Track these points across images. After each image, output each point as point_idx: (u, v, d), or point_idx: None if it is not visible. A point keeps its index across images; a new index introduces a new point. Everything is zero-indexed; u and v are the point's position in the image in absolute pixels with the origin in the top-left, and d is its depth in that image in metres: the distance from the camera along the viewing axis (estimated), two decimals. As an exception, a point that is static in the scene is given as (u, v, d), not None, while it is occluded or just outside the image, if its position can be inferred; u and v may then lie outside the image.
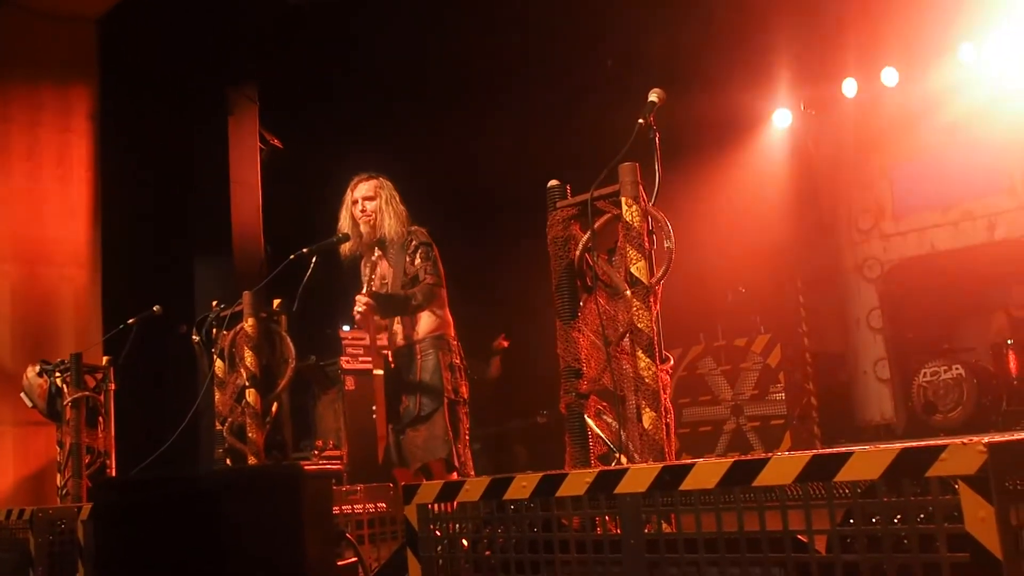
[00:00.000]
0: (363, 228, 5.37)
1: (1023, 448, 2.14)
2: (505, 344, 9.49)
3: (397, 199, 5.40)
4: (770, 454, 2.32)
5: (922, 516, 2.12)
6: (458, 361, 5.32)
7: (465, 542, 2.96)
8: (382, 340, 5.44)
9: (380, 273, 5.36)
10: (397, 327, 5.33)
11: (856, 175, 9.46)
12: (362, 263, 5.53)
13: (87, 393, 6.56)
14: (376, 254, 5.40)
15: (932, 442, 2.08)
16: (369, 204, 5.35)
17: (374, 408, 5.23)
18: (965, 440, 2.02)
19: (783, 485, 2.27)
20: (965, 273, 8.88)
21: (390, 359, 5.36)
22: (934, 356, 8.62)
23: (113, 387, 6.70)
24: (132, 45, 8.66)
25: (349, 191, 5.44)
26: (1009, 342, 8.45)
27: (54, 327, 8.07)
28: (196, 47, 8.67)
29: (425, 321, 5.26)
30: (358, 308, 5.10)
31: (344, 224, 5.42)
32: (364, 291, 5.16)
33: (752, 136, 9.82)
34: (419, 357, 5.22)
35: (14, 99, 8.23)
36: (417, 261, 5.22)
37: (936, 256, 8.94)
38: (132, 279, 8.37)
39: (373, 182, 5.41)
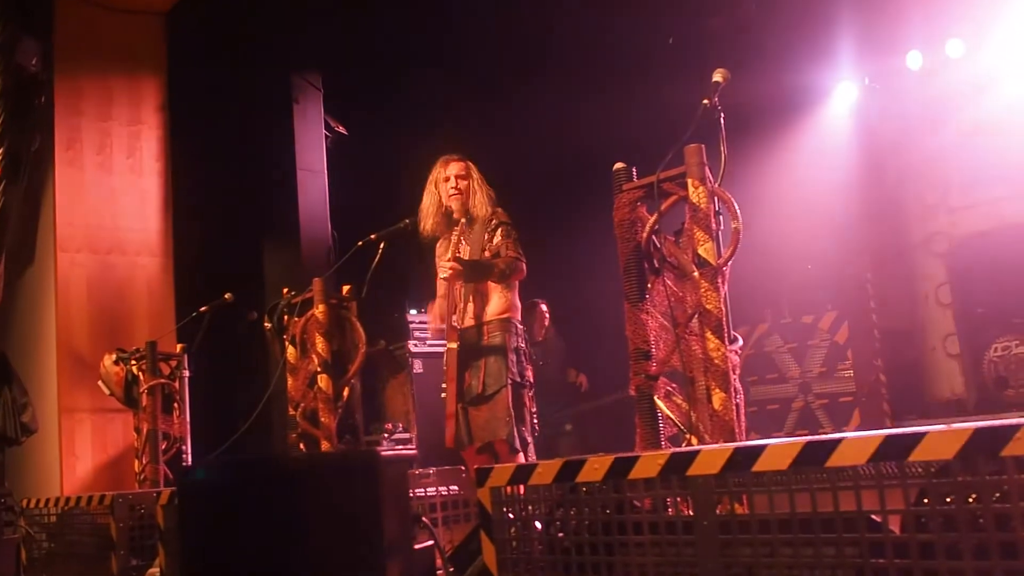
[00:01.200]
0: (453, 204, 5.45)
1: (1100, 426, 2.13)
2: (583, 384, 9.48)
3: (483, 180, 5.50)
4: (842, 434, 2.32)
5: (997, 495, 2.11)
6: (523, 345, 5.37)
7: (538, 524, 3.00)
8: (440, 322, 5.51)
9: (456, 249, 5.42)
10: (470, 306, 5.38)
11: (922, 149, 9.29)
12: (438, 244, 5.59)
13: (162, 380, 6.73)
14: (455, 233, 5.46)
15: (1007, 421, 2.07)
16: (462, 182, 5.44)
17: (443, 385, 5.27)
18: (1042, 419, 2.02)
19: (856, 465, 2.28)
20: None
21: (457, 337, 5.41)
22: (1005, 330, 8.46)
23: (187, 374, 6.86)
24: (199, 36, 8.79)
25: (439, 168, 5.52)
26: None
27: (129, 316, 8.25)
28: (261, 36, 8.77)
29: (495, 302, 5.31)
30: (443, 272, 5.17)
31: (426, 202, 5.50)
32: (450, 256, 5.24)
33: (816, 112, 9.68)
34: (486, 337, 5.27)
35: (85, 93, 8.40)
36: (497, 239, 5.30)
37: (1005, 229, 8.76)
38: (203, 267, 8.54)
39: (464, 162, 5.52)
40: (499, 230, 5.33)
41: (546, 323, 9.24)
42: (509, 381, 5.20)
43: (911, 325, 9.84)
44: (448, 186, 5.44)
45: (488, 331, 5.29)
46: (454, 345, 5.26)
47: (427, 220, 5.51)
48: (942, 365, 9.48)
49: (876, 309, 9.43)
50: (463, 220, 5.44)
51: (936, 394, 9.52)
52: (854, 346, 9.25)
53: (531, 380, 5.40)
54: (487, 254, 5.28)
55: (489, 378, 5.19)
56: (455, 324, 5.33)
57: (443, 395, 5.30)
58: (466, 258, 5.32)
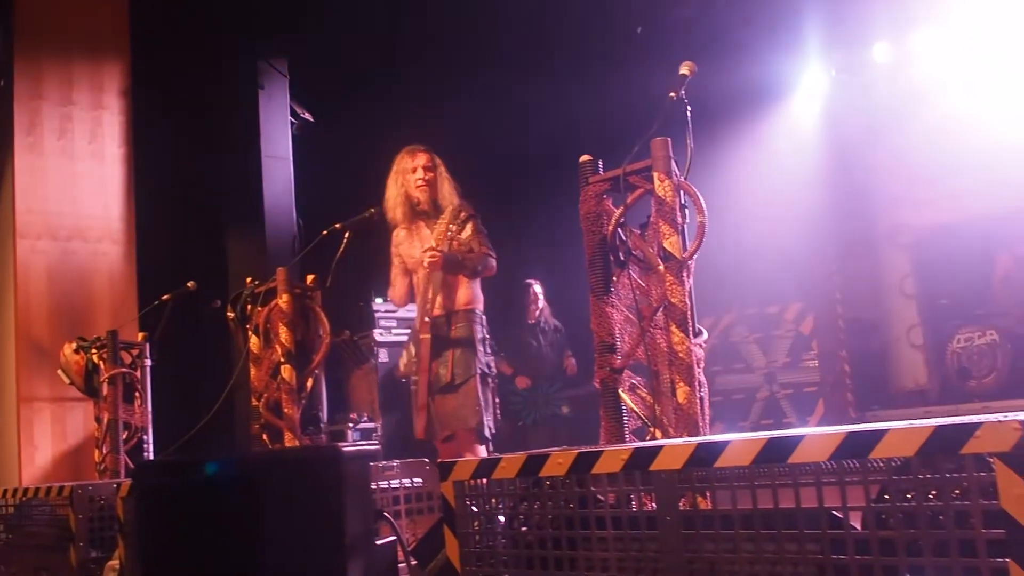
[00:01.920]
0: (420, 196, 5.45)
1: (1060, 425, 2.14)
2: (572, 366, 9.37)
3: (448, 172, 5.51)
4: (804, 431, 2.33)
5: (957, 492, 2.12)
6: (488, 336, 5.41)
7: (501, 518, 2.99)
8: (409, 309, 5.53)
9: (423, 241, 5.41)
10: (438, 297, 5.38)
11: (888, 141, 9.35)
12: (395, 232, 5.58)
13: (123, 369, 6.64)
14: (419, 223, 5.46)
15: (966, 419, 2.07)
16: (429, 173, 5.44)
17: (414, 377, 5.28)
18: (1000, 418, 2.02)
19: (818, 462, 2.28)
20: (999, 238, 8.78)
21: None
22: (968, 322, 8.56)
23: (149, 363, 6.78)
24: (163, 21, 8.68)
25: (405, 159, 5.52)
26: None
27: (90, 304, 8.14)
28: (226, 21, 8.68)
29: (462, 292, 5.35)
30: (426, 261, 5.17)
31: (392, 192, 5.49)
32: (433, 245, 5.23)
33: (783, 104, 9.72)
34: (454, 327, 5.30)
35: (46, 77, 8.27)
36: (468, 232, 5.32)
37: (969, 221, 8.84)
38: (166, 255, 8.43)
39: (429, 154, 5.53)
40: (469, 224, 5.35)
41: (540, 304, 9.18)
42: (478, 371, 5.24)
43: (876, 316, 9.94)
44: (415, 177, 5.44)
45: (455, 321, 5.33)
46: (427, 336, 5.27)
47: (394, 211, 5.49)
48: (906, 356, 9.58)
49: (841, 300, 9.51)
50: (428, 211, 5.44)
51: (900, 384, 9.62)
52: (819, 336, 9.33)
53: (495, 371, 5.45)
54: (455, 245, 5.29)
55: (458, 368, 5.23)
56: (426, 316, 5.33)
57: (413, 387, 5.31)
58: (434, 246, 5.32)
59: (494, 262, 5.37)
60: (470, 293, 5.38)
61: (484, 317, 5.45)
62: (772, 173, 9.31)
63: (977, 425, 2.03)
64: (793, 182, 9.23)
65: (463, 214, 5.38)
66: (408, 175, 5.47)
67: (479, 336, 5.32)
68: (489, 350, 5.46)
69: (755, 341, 9.70)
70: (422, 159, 5.49)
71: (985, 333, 8.36)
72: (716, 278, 7.64)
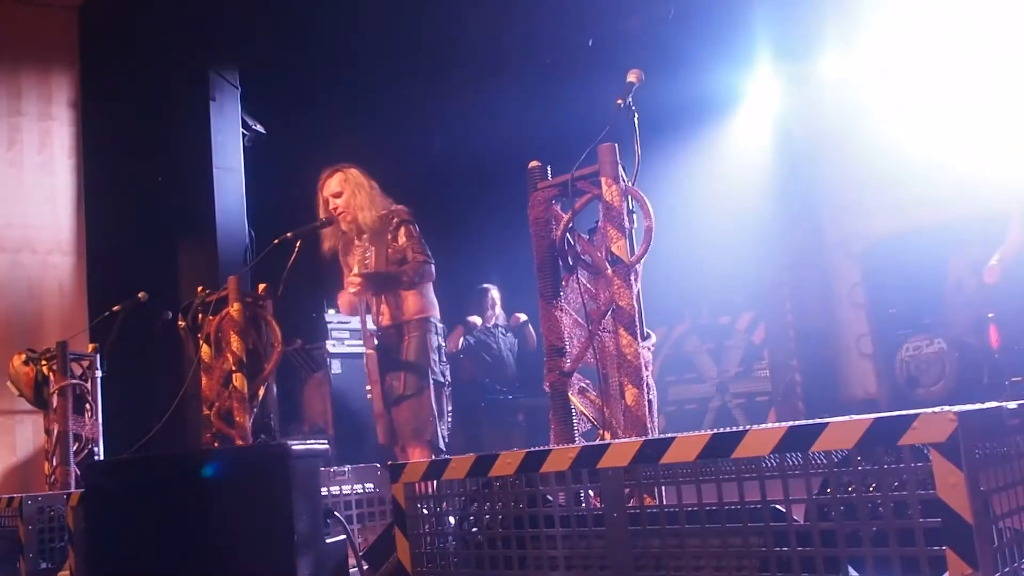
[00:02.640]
0: (342, 224, 5.42)
1: (992, 416, 2.20)
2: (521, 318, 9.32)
3: (366, 185, 5.41)
4: (747, 427, 2.37)
5: (896, 484, 2.16)
6: (443, 343, 5.40)
7: (452, 519, 3.00)
8: (369, 322, 5.50)
9: (363, 257, 5.40)
10: (384, 308, 5.37)
11: (837, 151, 9.48)
12: (341, 256, 5.57)
13: (74, 381, 6.56)
14: (357, 243, 5.44)
15: (904, 412, 2.12)
16: (339, 200, 5.39)
17: (368, 388, 5.28)
18: (936, 409, 2.07)
19: (761, 457, 2.32)
20: (950, 246, 8.91)
21: (375, 340, 5.40)
22: (916, 330, 8.68)
23: (99, 374, 6.70)
24: (113, 32, 8.62)
25: (319, 189, 5.48)
26: (990, 316, 8.52)
27: (39, 315, 8.06)
28: (177, 33, 8.63)
29: (412, 302, 5.31)
30: (351, 289, 5.15)
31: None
32: (355, 271, 5.21)
33: (731, 115, 9.83)
34: (406, 338, 5.28)
35: (-7, 87, 8.20)
36: (401, 240, 5.27)
37: (917, 231, 8.98)
38: (117, 266, 8.35)
39: (338, 176, 5.43)
40: (401, 230, 5.30)
41: (496, 309, 9.18)
42: (431, 381, 5.22)
43: (826, 325, 10.05)
44: (329, 207, 5.41)
45: (408, 331, 5.31)
46: (371, 350, 5.25)
47: (329, 240, 5.46)
48: (856, 365, 9.70)
49: (792, 309, 9.62)
50: (354, 232, 5.41)
51: (850, 393, 9.73)
52: (770, 346, 9.43)
53: (449, 379, 5.43)
54: (391, 253, 5.26)
55: (410, 378, 5.20)
56: (370, 329, 5.33)
57: (369, 397, 5.29)
58: (372, 265, 5.30)
59: (431, 267, 5.30)
60: (421, 301, 5.35)
61: (440, 325, 5.44)
62: (722, 184, 9.41)
63: (914, 417, 2.08)
64: (743, 193, 9.34)
65: (395, 220, 5.34)
66: (325, 205, 5.45)
67: (433, 344, 5.30)
68: (444, 358, 5.44)
69: (707, 351, 9.78)
70: (330, 186, 5.44)
71: (933, 342, 8.49)
72: (668, 288, 7.71)
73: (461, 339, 8.93)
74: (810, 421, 2.28)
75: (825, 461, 2.29)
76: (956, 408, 2.05)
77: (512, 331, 9.27)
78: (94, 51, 8.70)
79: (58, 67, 8.59)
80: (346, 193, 5.38)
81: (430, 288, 5.42)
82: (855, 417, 2.20)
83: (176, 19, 8.53)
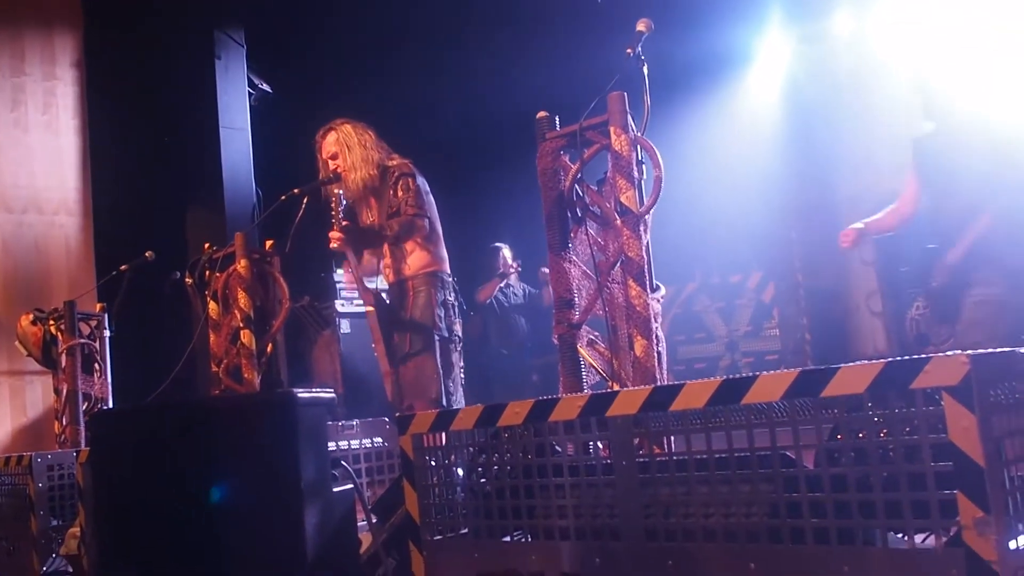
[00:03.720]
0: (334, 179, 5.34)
1: (1005, 359, 2.17)
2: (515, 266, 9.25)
3: (358, 141, 5.29)
4: (758, 373, 2.35)
5: (907, 429, 2.15)
6: (452, 298, 5.31)
7: (460, 471, 3.00)
8: (368, 277, 5.44)
9: (366, 213, 5.35)
10: (387, 263, 5.32)
11: (850, 109, 9.38)
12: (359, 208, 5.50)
13: (82, 340, 6.57)
14: (360, 200, 5.38)
15: (917, 357, 2.10)
16: (334, 162, 5.31)
17: (373, 346, 5.23)
18: (949, 353, 2.05)
19: (771, 402, 2.30)
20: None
21: (384, 296, 5.35)
22: (927, 289, 8.62)
23: (108, 333, 6.72)
24: (117, -10, 8.57)
25: (317, 151, 5.41)
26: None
27: (47, 275, 8.08)
28: (182, -10, 8.57)
29: (416, 257, 5.24)
30: (332, 244, 5.09)
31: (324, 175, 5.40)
32: (335, 226, 5.12)
33: (743, 72, 9.73)
34: (411, 294, 5.21)
35: (-3, 48, 8.17)
36: (399, 193, 5.19)
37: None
38: (124, 225, 8.34)
39: (331, 135, 5.33)
40: (400, 183, 5.21)
41: (510, 268, 9.13)
42: (436, 337, 5.16)
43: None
44: (330, 170, 5.33)
45: (413, 287, 5.23)
46: (371, 308, 5.19)
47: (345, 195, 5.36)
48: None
49: (802, 268, 9.56)
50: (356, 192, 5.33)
51: (860, 351, 9.69)
52: (780, 305, 9.39)
53: (459, 335, 5.36)
54: (390, 208, 5.20)
55: (415, 336, 5.14)
56: (370, 286, 5.27)
57: (376, 355, 5.25)
58: (376, 220, 5.24)
59: (422, 222, 5.17)
60: (427, 256, 5.25)
61: (448, 279, 5.35)
62: (732, 142, 9.33)
63: (926, 360, 2.06)
64: (754, 151, 9.25)
65: (396, 173, 5.26)
66: (325, 167, 5.37)
67: (439, 299, 5.22)
68: (454, 313, 5.35)
69: (717, 310, 9.75)
70: (325, 149, 5.34)
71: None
72: (678, 247, 7.66)
73: (496, 290, 8.91)
74: (821, 366, 2.25)
75: (837, 411, 2.27)
76: (969, 351, 2.02)
77: (528, 289, 9.25)
78: (97, 11, 8.64)
79: (61, 27, 8.54)
80: (341, 154, 5.28)
81: (439, 242, 5.33)
82: (867, 362, 2.18)
83: (180, -24, 8.48)
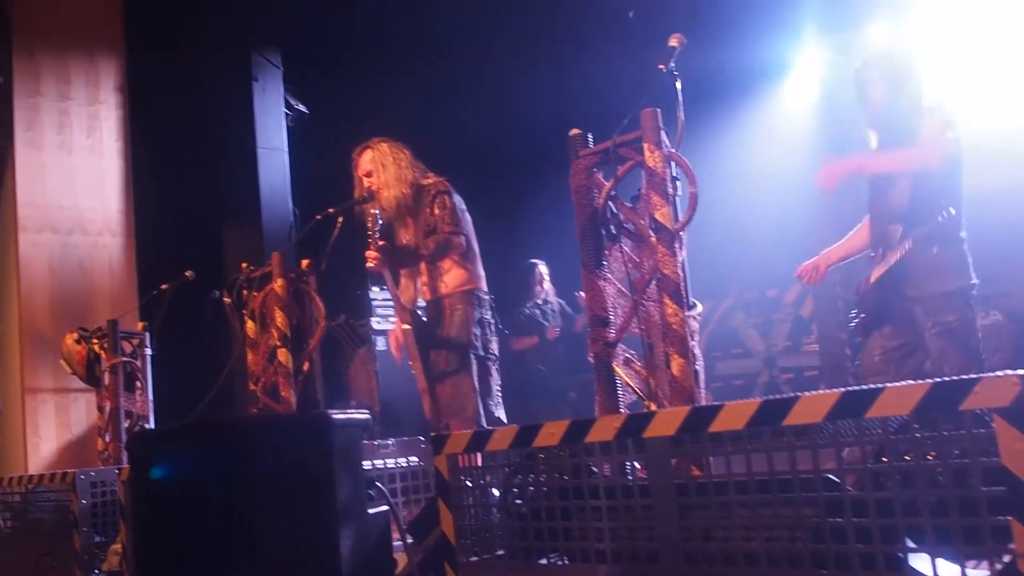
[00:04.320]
0: (369, 198, 5.33)
1: (1058, 379, 2.10)
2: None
3: (393, 160, 5.28)
4: (799, 393, 2.29)
5: (956, 451, 2.08)
6: (488, 316, 5.28)
7: (495, 491, 2.97)
8: (406, 296, 5.43)
9: (403, 231, 5.35)
10: (424, 281, 5.31)
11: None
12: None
13: (124, 358, 6.65)
14: (396, 218, 5.38)
15: (965, 377, 2.04)
16: (369, 180, 5.31)
17: (410, 364, 5.21)
18: (999, 373, 1.99)
19: (813, 424, 2.25)
20: (1004, 216, 8.69)
21: (420, 314, 5.34)
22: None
23: (149, 352, 6.79)
24: (157, 15, 8.69)
25: (353, 168, 5.41)
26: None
27: (91, 295, 8.21)
28: (220, 14, 8.68)
29: (453, 275, 5.23)
30: (368, 263, 5.08)
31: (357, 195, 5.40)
32: (372, 246, 5.11)
33: (777, 84, 9.64)
34: (447, 312, 5.19)
35: (43, 73, 8.34)
36: (436, 211, 5.18)
37: (972, 200, 8.74)
38: (165, 245, 8.46)
39: (367, 155, 5.33)
40: (436, 202, 5.20)
41: (545, 284, 9.09)
42: (473, 355, 5.14)
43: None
44: (365, 187, 5.33)
45: (450, 305, 5.21)
46: (407, 326, 5.17)
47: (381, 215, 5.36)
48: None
49: (840, 281, 9.42)
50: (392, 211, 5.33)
51: (901, 367, 9.52)
52: (819, 319, 9.26)
53: (496, 353, 5.33)
54: (426, 226, 5.19)
55: (451, 355, 5.12)
56: (406, 304, 5.26)
57: (413, 372, 5.23)
58: (412, 239, 5.23)
59: (459, 239, 5.16)
60: (463, 274, 5.23)
61: (485, 297, 5.32)
62: (768, 154, 9.23)
63: (975, 380, 2.00)
64: (789, 163, 9.14)
65: (432, 191, 5.25)
66: (361, 185, 5.37)
67: (475, 318, 5.20)
68: (490, 331, 5.32)
69: (754, 326, 9.63)
70: (361, 167, 5.33)
71: (989, 313, 8.27)
72: (713, 263, 7.58)
73: (529, 346, 8.89)
74: (864, 386, 2.20)
75: (880, 429, 2.21)
76: (1020, 371, 1.96)
77: (563, 305, 9.19)
78: (139, 36, 8.81)
79: (105, 53, 8.72)
80: (375, 173, 5.29)
81: (476, 260, 5.31)
82: (912, 382, 2.12)
83: (218, 2, 8.58)
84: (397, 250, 5.21)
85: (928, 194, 4.52)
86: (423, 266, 5.30)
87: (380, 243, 5.05)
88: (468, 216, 5.33)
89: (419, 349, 5.11)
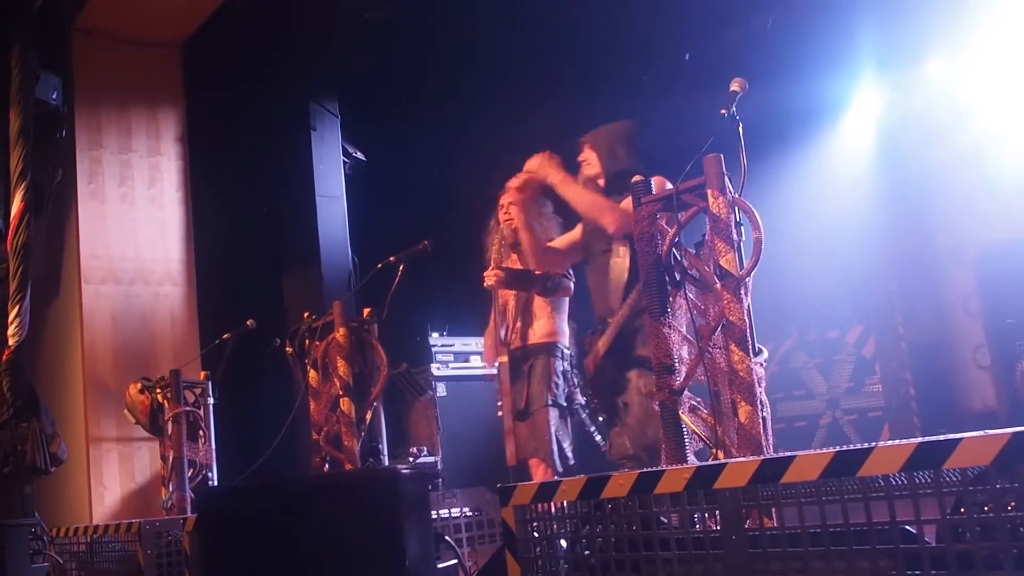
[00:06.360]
0: (505, 231, 5.35)
1: None
2: None
3: (536, 211, 5.29)
4: (873, 444, 2.26)
5: (1037, 503, 2.04)
6: (570, 369, 5.31)
7: (563, 542, 2.95)
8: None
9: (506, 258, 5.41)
10: (517, 327, 5.33)
11: (946, 156, 9.15)
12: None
13: (187, 408, 6.73)
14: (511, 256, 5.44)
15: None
16: (513, 209, 5.30)
17: (499, 403, 5.22)
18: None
19: (889, 474, 2.21)
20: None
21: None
22: (1037, 340, 8.33)
23: (212, 401, 6.87)
24: (215, 66, 8.88)
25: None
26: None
27: (153, 345, 8.32)
28: (277, 65, 8.83)
29: (542, 324, 5.29)
30: (488, 280, 5.10)
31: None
32: (493, 264, 5.14)
33: (837, 122, 9.58)
34: (530, 361, 5.25)
35: (105, 126, 8.52)
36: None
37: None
38: (225, 295, 8.58)
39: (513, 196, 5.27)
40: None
41: None
42: (550, 401, 5.17)
43: (939, 337, 9.67)
44: (501, 213, 5.37)
45: (532, 356, 5.27)
46: (505, 359, 5.21)
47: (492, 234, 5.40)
48: (973, 377, 9.31)
49: (903, 322, 9.30)
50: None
51: (967, 406, 9.35)
52: (882, 360, 9.13)
53: (581, 403, 5.29)
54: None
55: (532, 396, 5.17)
56: (504, 339, 5.30)
57: (499, 413, 5.24)
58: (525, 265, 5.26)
59: (569, 283, 5.23)
60: (550, 325, 5.29)
61: (567, 351, 5.35)
62: (827, 194, 9.16)
63: (1056, 429, 1.96)
64: (849, 202, 9.07)
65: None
66: (500, 211, 5.39)
67: (557, 369, 5.23)
68: (572, 382, 5.31)
69: (816, 366, 9.52)
70: (509, 195, 5.24)
71: None
72: (774, 304, 7.51)
73: None
74: (941, 436, 2.16)
75: (958, 478, 2.17)
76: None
77: None
78: (198, 87, 8.99)
79: (164, 104, 8.90)
80: (516, 207, 5.17)
81: (564, 313, 5.36)
82: (991, 432, 2.08)
83: (275, 53, 8.73)
84: (519, 273, 5.23)
85: None
86: (513, 309, 5.32)
87: (502, 264, 5.12)
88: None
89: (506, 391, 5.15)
